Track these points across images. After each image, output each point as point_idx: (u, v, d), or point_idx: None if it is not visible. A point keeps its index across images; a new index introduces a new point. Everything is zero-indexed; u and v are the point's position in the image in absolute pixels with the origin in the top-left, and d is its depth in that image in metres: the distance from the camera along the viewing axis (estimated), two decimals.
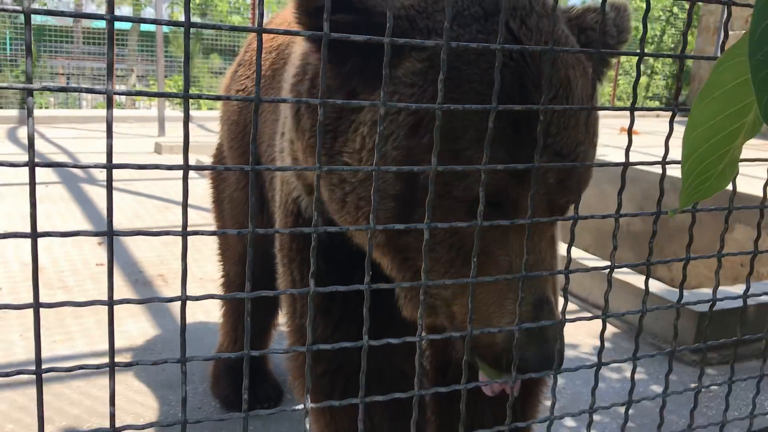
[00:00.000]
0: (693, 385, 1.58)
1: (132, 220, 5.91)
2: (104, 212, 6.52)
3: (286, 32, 0.91)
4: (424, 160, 1.38)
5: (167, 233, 0.91)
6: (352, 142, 1.47)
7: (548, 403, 1.41)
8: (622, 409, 3.34)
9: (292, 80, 1.70)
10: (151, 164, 0.87)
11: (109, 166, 0.85)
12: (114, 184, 7.24)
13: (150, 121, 11.51)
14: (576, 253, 4.98)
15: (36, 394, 0.87)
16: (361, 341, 1.04)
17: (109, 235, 0.89)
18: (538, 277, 1.42)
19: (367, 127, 1.44)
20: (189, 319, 4.13)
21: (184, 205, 0.92)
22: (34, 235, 0.86)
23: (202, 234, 0.95)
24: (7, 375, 0.89)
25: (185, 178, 0.88)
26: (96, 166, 0.88)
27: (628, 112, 1.22)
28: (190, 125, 11.34)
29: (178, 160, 8.78)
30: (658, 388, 3.59)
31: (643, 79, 21.51)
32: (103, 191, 6.97)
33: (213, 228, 5.86)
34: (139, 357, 3.60)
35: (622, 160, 1.21)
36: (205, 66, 14.61)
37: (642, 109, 1.18)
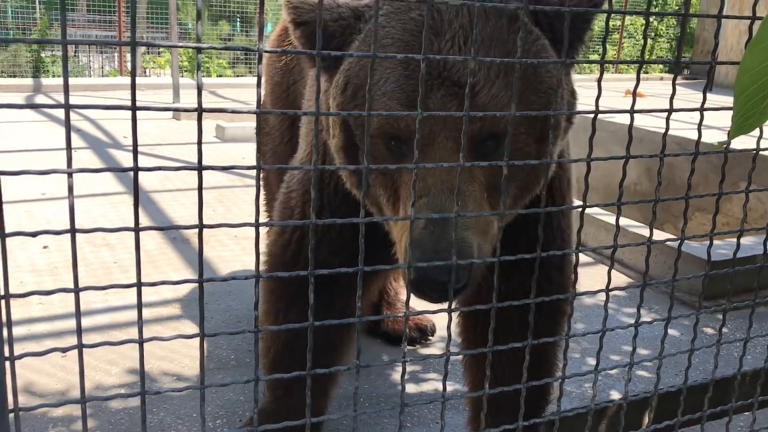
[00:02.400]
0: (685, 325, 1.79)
1: (163, 182, 6.14)
2: (131, 174, 6.73)
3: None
4: (348, 107, 1.78)
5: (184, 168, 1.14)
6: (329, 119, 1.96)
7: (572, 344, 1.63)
8: (640, 350, 3.60)
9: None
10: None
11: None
12: (139, 149, 7.54)
13: (164, 88, 11.66)
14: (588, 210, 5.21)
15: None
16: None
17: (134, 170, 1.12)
18: (435, 197, 1.59)
19: (333, 99, 1.87)
20: (228, 272, 4.38)
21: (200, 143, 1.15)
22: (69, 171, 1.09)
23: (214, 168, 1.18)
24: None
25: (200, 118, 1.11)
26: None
27: (633, 75, 1.43)
28: (203, 92, 11.38)
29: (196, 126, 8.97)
30: (673, 332, 3.84)
31: (648, 42, 21.50)
32: (129, 155, 7.19)
33: (240, 189, 6.08)
34: (185, 307, 3.86)
35: (627, 120, 1.43)
36: (214, 33, 14.71)
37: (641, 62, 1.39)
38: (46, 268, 4.24)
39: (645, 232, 4.64)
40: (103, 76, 14.78)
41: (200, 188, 1.16)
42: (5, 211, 4.60)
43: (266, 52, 1.07)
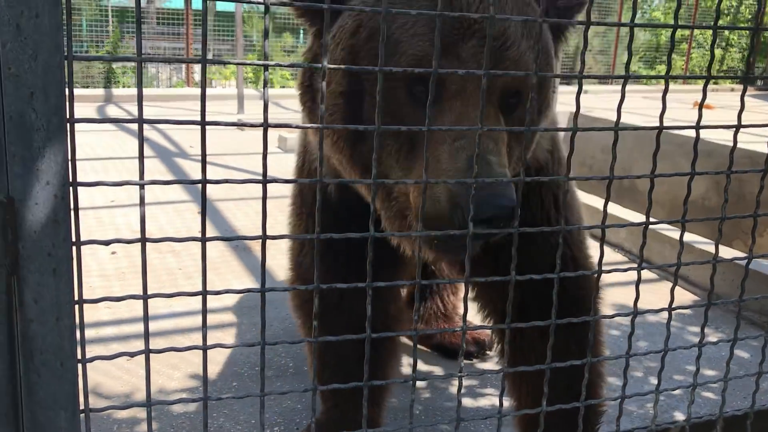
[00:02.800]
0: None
1: (227, 191, 6.28)
2: (198, 185, 6.92)
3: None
4: (362, 50, 1.67)
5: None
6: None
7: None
8: (704, 371, 3.50)
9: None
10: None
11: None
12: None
13: (229, 99, 11.93)
14: (642, 219, 5.09)
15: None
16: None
17: (203, 183, 1.14)
18: (473, 139, 1.52)
19: (329, 52, 1.75)
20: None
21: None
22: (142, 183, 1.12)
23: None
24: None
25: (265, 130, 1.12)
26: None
27: (701, 87, 1.40)
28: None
29: (261, 135, 9.14)
30: (741, 353, 3.71)
31: (718, 52, 20.96)
32: (195, 164, 7.38)
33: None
34: (245, 314, 3.93)
35: (692, 133, 1.39)
36: (278, 44, 14.99)
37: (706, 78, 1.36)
38: (114, 273, 4.38)
39: (711, 248, 4.51)
40: (171, 86, 15.23)
41: (264, 200, 1.19)
42: (84, 216, 4.69)
43: (330, 68, 1.09)
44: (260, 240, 1.21)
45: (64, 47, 1.01)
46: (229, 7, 16.89)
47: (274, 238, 1.20)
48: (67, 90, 1.03)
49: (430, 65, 1.57)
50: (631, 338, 1.43)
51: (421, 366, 3.51)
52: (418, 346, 3.67)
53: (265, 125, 1.15)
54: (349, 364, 2.31)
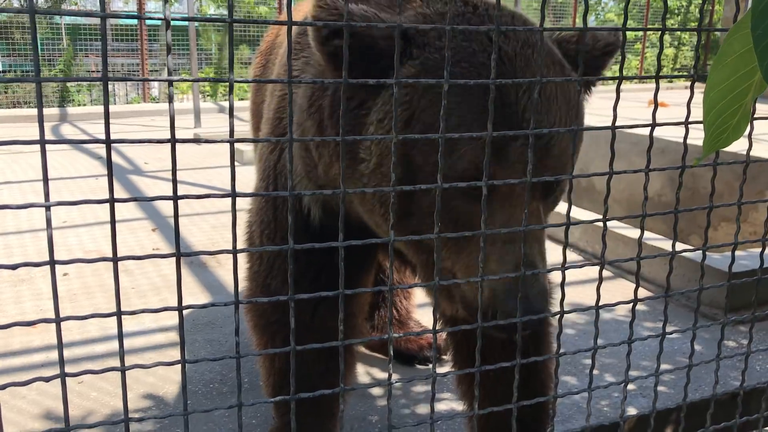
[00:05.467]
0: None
1: (181, 206, 6.21)
2: (154, 202, 6.90)
3: (310, 24, 1.14)
4: (415, 146, 1.66)
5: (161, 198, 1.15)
6: (365, 141, 1.75)
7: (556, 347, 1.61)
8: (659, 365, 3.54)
9: (309, 92, 1.96)
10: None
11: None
12: (159, 174, 7.53)
13: (185, 113, 11.83)
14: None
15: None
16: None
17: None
18: (519, 244, 1.56)
19: (374, 126, 1.72)
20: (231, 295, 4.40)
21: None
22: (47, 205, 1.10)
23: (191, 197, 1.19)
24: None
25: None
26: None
27: (654, 85, 1.42)
28: (223, 115, 11.60)
29: (217, 149, 9.08)
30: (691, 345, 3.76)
31: (670, 51, 21.37)
32: (150, 181, 7.30)
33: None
34: (204, 332, 3.88)
35: (647, 131, 1.42)
36: (236, 57, 14.91)
37: (663, 77, 1.38)
38: (66, 295, 4.30)
39: (666, 245, 4.58)
40: (127, 102, 15.05)
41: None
42: (28, 240, 4.64)
43: (237, 82, 1.08)
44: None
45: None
46: (185, 22, 16.76)
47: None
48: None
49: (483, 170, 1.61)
50: (559, 337, 1.43)
51: (378, 373, 3.50)
52: (376, 353, 3.66)
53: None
54: (311, 378, 2.30)
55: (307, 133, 1.97)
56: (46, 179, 1.13)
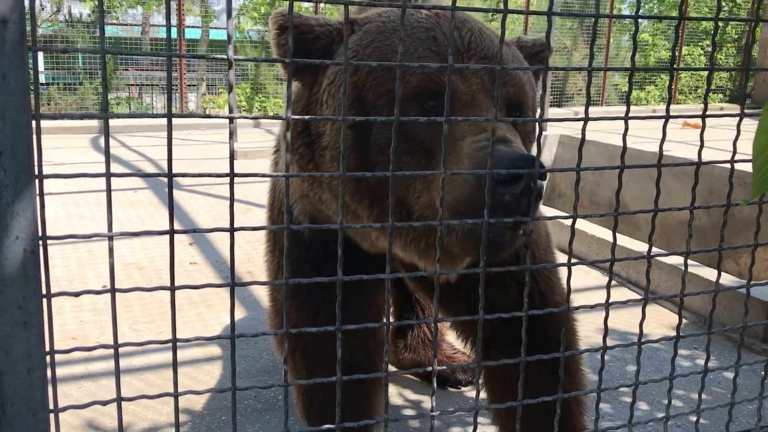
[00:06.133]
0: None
1: (217, 221, 6.30)
2: (191, 214, 6.95)
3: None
4: (366, 83, 1.76)
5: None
6: (323, 125, 1.87)
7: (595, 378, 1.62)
8: (695, 395, 3.50)
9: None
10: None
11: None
12: (197, 188, 7.60)
13: (221, 127, 12.00)
14: (637, 245, 5.12)
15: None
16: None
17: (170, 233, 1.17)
18: (491, 131, 1.50)
19: (326, 92, 1.87)
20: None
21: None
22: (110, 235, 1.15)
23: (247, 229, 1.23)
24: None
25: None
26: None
27: (690, 106, 1.44)
28: (259, 131, 11.69)
29: (252, 164, 9.20)
30: (729, 375, 3.73)
31: (705, 72, 21.09)
32: (188, 194, 7.41)
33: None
34: (238, 347, 3.93)
35: (684, 155, 1.43)
36: (271, 73, 15.11)
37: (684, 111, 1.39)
38: (104, 307, 4.39)
39: (701, 271, 4.53)
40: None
41: (232, 250, 1.22)
42: (69, 251, 4.71)
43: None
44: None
45: (32, 107, 1.04)
46: (222, 35, 17.04)
47: (242, 285, 1.22)
48: (35, 146, 1.06)
49: (444, 77, 1.69)
50: (601, 372, 1.44)
51: (411, 395, 3.52)
52: (410, 375, 3.67)
53: (232, 174, 1.18)
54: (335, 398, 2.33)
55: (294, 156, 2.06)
56: (110, 209, 1.18)
